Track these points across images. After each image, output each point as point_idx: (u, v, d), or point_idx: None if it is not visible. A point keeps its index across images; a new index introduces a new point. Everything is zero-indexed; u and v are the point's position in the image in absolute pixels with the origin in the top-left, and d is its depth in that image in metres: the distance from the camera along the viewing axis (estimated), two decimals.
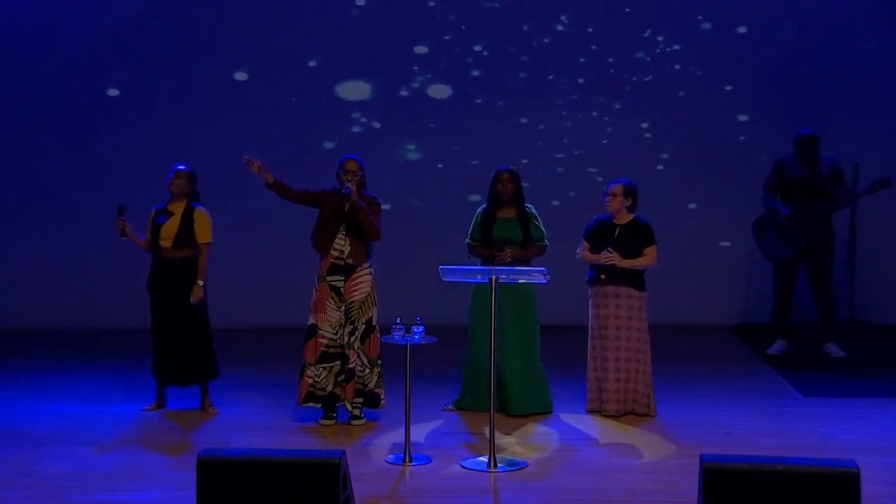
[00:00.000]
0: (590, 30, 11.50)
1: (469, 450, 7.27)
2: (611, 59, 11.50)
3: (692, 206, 11.62)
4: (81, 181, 11.37)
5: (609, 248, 7.99)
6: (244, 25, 11.41)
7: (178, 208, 8.13)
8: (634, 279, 8.05)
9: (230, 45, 11.41)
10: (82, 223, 11.25)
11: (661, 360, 8.45)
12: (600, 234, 8.11)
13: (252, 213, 11.18)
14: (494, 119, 11.52)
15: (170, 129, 11.32)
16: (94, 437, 7.53)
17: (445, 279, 7.27)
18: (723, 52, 11.44)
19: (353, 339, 7.78)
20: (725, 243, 11.60)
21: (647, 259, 8.04)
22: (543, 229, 8.19)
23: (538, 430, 7.77)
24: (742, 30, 11.45)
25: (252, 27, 11.42)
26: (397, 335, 7.12)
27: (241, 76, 11.44)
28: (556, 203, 11.34)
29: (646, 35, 11.48)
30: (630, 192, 8.11)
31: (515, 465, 6.93)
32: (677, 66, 11.49)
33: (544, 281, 7.15)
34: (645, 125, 11.56)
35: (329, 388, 7.83)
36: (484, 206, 8.26)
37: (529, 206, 8.22)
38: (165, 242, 8.07)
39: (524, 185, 8.28)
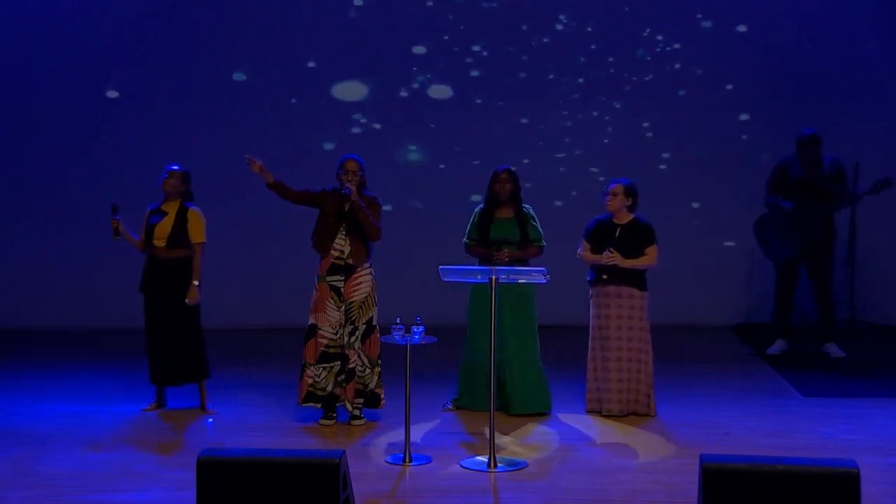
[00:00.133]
0: (589, 29, 11.49)
1: (469, 450, 7.26)
2: (611, 59, 11.49)
3: (693, 205, 11.62)
4: (81, 181, 11.37)
5: (610, 248, 7.98)
6: (244, 25, 11.41)
7: (171, 208, 8.13)
8: (636, 279, 8.04)
9: (230, 46, 11.41)
10: (82, 223, 11.24)
11: (661, 360, 8.43)
12: (601, 234, 8.10)
13: (252, 213, 11.18)
14: (495, 119, 11.52)
15: (170, 129, 11.32)
16: (94, 437, 7.53)
17: (445, 279, 7.26)
18: (723, 52, 11.43)
19: (353, 339, 7.77)
20: (726, 243, 11.59)
21: (649, 259, 8.03)
22: (541, 230, 8.16)
23: (538, 430, 7.76)
24: (742, 28, 11.44)
25: (252, 27, 11.42)
26: (397, 335, 7.12)
27: (240, 76, 11.44)
28: (557, 203, 11.34)
29: (645, 34, 11.47)
30: (630, 191, 8.10)
31: (515, 465, 6.92)
32: (678, 66, 11.49)
33: (544, 281, 7.14)
34: (646, 125, 11.56)
35: (329, 389, 7.83)
36: (482, 205, 8.26)
37: (527, 206, 8.20)
38: (159, 242, 8.07)
39: (524, 185, 8.27)
